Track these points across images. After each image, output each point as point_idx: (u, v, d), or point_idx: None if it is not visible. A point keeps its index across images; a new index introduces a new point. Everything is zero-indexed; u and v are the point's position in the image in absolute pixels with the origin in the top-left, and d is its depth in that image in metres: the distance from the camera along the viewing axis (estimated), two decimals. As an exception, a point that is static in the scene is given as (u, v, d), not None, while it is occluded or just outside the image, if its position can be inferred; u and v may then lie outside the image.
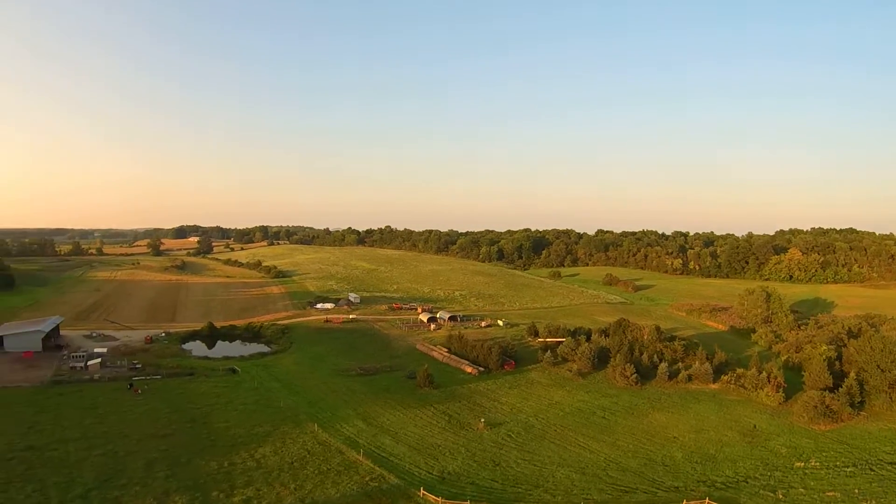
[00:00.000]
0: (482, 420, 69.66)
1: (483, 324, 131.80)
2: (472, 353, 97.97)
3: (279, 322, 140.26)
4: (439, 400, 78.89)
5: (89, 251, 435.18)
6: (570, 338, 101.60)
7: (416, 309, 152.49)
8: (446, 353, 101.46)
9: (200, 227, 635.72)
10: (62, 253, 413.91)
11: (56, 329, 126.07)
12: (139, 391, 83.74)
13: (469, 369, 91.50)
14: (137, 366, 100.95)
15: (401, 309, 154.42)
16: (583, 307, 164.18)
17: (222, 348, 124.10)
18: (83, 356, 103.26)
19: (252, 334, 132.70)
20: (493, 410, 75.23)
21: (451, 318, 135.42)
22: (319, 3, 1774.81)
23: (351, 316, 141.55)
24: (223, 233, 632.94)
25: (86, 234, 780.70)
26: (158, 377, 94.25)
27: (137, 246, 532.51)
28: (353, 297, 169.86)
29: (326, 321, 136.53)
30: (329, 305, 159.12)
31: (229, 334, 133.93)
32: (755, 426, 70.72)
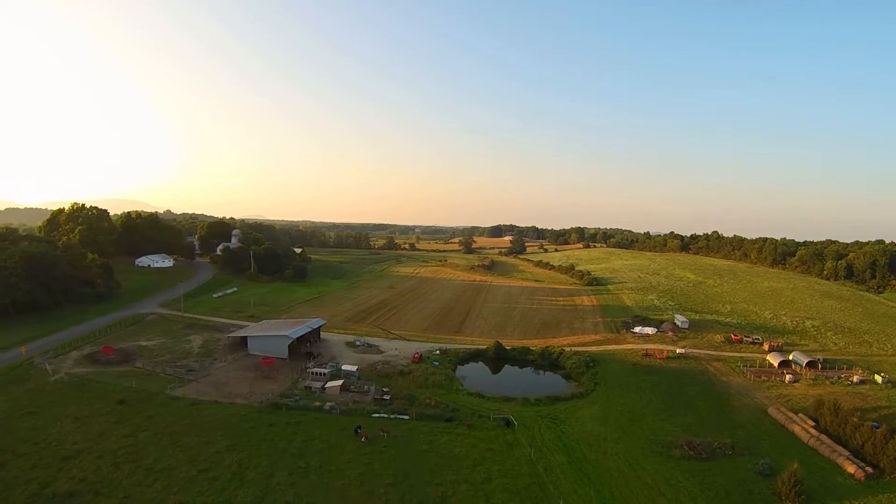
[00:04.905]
0: None
1: (854, 378, 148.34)
2: (853, 436, 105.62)
3: (585, 348, 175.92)
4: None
5: (402, 246, 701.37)
6: None
7: (762, 344, 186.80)
8: (813, 431, 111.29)
9: (516, 226, 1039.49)
10: (375, 247, 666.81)
11: (316, 332, 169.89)
12: (366, 438, 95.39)
13: (850, 468, 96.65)
14: (385, 397, 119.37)
15: (741, 342, 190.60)
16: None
17: (506, 378, 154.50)
18: (324, 375, 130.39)
19: (548, 362, 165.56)
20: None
21: (810, 364, 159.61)
22: None
23: (678, 350, 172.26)
24: (538, 233, 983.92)
25: (407, 229, 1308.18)
26: (405, 418, 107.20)
27: (451, 243, 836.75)
28: (680, 320, 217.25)
29: (645, 354, 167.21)
30: (649, 330, 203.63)
31: (520, 359, 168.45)
32: None
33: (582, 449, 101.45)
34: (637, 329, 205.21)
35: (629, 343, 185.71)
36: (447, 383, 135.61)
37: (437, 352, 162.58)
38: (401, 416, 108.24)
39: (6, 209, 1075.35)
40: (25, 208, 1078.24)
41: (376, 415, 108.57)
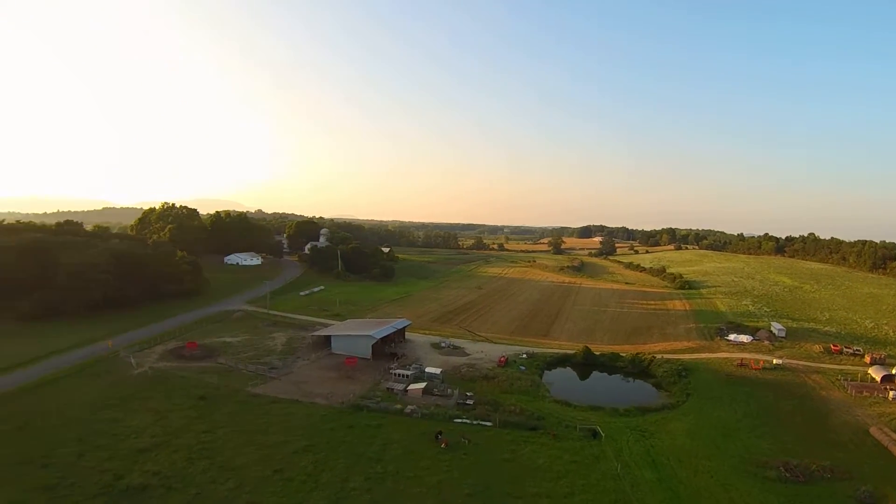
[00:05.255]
0: None
1: None
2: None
3: (676, 356, 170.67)
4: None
5: (491, 246, 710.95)
6: None
7: (863, 356, 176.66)
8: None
9: (606, 227, 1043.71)
10: (464, 247, 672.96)
11: (400, 333, 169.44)
12: (446, 444, 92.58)
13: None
14: (468, 402, 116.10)
15: (840, 353, 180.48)
16: None
17: (594, 386, 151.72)
18: (407, 377, 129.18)
19: (638, 369, 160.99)
20: None
21: None
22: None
23: (774, 360, 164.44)
24: (628, 234, 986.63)
25: (496, 229, 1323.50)
26: (488, 425, 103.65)
27: (540, 243, 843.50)
28: (776, 327, 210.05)
29: (740, 364, 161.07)
30: (745, 338, 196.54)
31: (609, 365, 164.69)
32: None
33: (671, 465, 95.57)
34: (731, 336, 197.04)
35: (723, 351, 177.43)
36: (533, 389, 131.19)
37: (524, 356, 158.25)
38: (483, 423, 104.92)
39: (103, 209, 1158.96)
40: (121, 208, 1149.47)
41: (458, 420, 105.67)
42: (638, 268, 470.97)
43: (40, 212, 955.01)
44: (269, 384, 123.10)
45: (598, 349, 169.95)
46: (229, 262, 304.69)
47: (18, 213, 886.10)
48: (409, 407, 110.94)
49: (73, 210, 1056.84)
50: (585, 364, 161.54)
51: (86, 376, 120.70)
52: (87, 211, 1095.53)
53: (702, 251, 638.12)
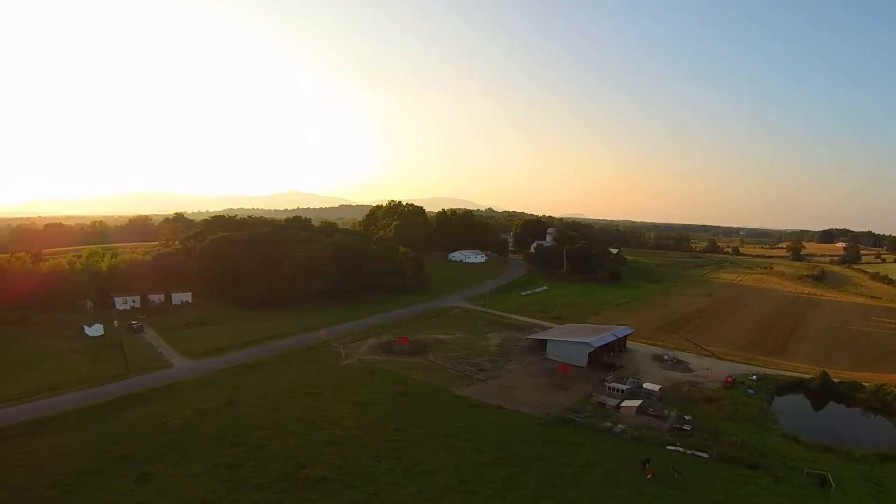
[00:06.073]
0: None
1: None
2: None
3: None
4: None
5: (724, 250, 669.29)
6: None
7: None
8: None
9: (850, 230, 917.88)
10: (696, 249, 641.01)
11: (621, 341, 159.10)
12: (653, 475, 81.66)
13: None
14: (685, 427, 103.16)
15: None
16: None
17: (828, 420, 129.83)
18: (621, 391, 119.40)
19: (881, 404, 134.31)
20: None
21: None
22: None
23: None
24: (875, 239, 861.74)
25: (730, 231, 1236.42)
26: (704, 456, 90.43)
27: (777, 248, 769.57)
28: None
29: None
30: None
31: (847, 396, 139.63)
32: None
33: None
34: None
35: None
36: (759, 418, 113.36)
37: (753, 377, 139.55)
38: (698, 454, 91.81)
39: (339, 206, 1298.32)
40: (356, 205, 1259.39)
41: (671, 447, 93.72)
42: (885, 279, 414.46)
43: (281, 208, 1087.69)
44: (474, 386, 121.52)
45: (836, 375, 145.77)
46: (453, 259, 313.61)
47: (263, 209, 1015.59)
48: (619, 426, 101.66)
49: (311, 206, 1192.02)
50: (821, 391, 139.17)
51: (294, 363, 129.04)
52: (325, 207, 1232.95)
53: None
